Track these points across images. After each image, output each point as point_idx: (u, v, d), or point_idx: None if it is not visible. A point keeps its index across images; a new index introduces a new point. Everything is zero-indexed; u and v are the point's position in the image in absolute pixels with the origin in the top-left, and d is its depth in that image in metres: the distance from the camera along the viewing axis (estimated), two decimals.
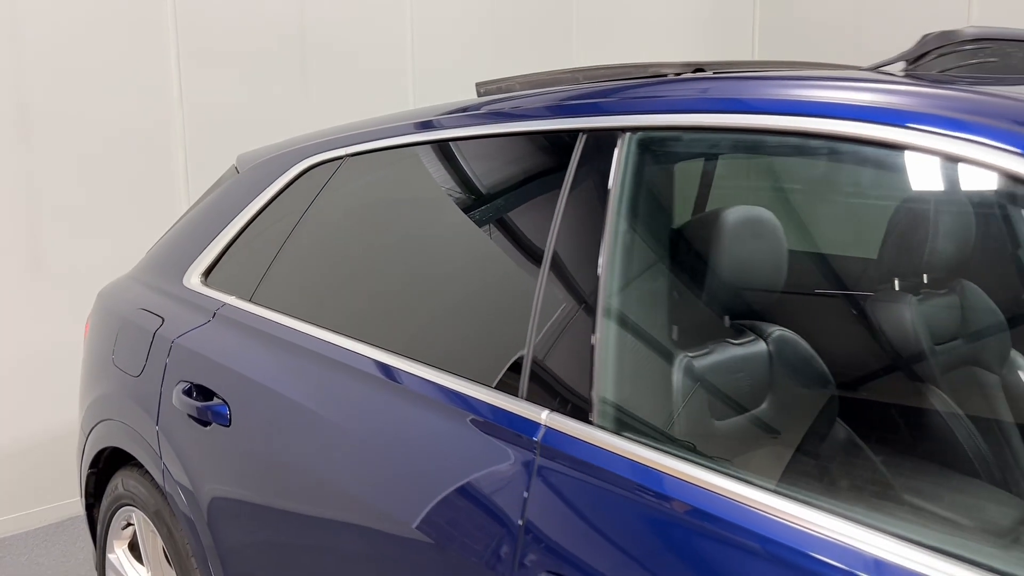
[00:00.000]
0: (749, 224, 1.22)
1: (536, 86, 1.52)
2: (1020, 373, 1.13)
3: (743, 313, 1.22)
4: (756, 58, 4.87)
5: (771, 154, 1.14)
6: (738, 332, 1.18)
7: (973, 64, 1.14)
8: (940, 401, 1.02)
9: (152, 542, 1.99)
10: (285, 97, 3.62)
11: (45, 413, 3.16)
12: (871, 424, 1.03)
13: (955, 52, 1.14)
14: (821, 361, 1.11)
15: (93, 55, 3.17)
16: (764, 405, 1.14)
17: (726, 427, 1.11)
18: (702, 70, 1.35)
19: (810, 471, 1.02)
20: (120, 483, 2.03)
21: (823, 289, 1.26)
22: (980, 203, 0.96)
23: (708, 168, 1.49)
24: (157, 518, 1.89)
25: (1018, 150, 0.86)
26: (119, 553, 2.11)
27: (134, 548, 2.11)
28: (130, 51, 3.25)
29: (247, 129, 3.50)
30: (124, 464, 2.04)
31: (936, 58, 1.15)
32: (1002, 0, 4.04)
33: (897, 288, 1.18)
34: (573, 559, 1.04)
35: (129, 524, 2.08)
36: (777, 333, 1.16)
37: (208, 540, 1.70)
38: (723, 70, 1.32)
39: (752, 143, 1.11)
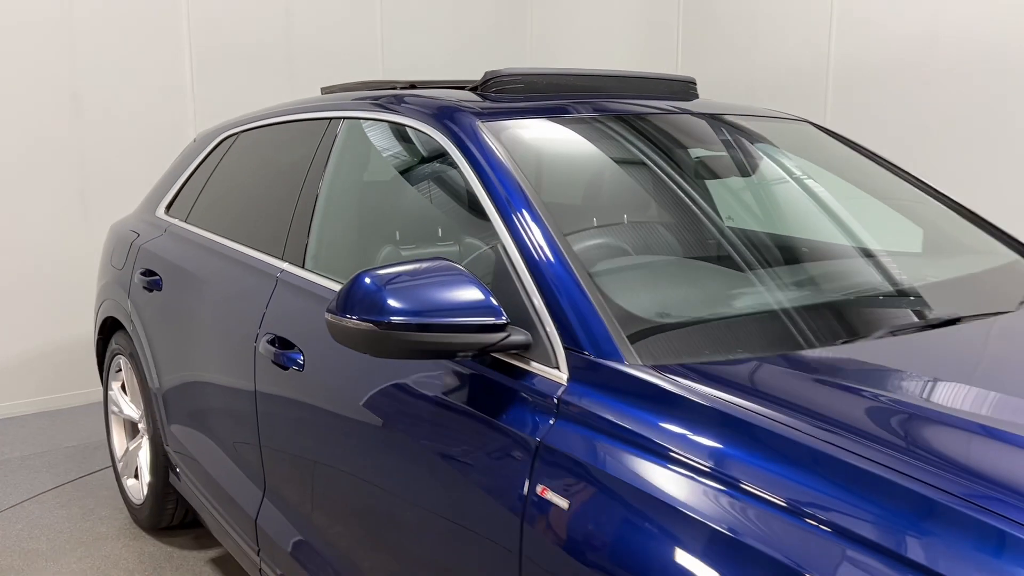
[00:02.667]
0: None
1: (346, 90, 2.55)
2: None
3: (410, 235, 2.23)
4: (680, 62, 5.76)
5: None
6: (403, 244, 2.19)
7: (510, 88, 2.10)
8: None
9: (130, 378, 3.12)
10: (275, 89, 4.74)
11: (71, 319, 4.35)
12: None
13: (498, 80, 2.11)
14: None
15: (127, 57, 4.35)
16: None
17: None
18: (415, 87, 2.35)
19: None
20: (114, 340, 3.17)
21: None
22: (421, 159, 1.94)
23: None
24: (132, 359, 3.01)
25: (417, 123, 1.84)
26: (115, 388, 3.26)
27: (124, 388, 3.25)
28: (152, 54, 4.43)
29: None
30: (118, 329, 3.17)
31: (490, 85, 2.11)
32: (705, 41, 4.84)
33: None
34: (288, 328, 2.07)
35: (119, 370, 3.22)
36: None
37: (155, 377, 2.79)
38: (414, 84, 2.31)
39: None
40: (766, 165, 2.28)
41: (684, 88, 2.45)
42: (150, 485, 2.98)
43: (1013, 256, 2.13)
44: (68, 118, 4.26)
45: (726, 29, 5.55)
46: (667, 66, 5.86)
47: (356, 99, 2.27)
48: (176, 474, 2.76)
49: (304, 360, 1.91)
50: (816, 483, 1.05)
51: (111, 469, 3.49)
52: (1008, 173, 4.29)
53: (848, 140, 2.54)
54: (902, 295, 1.84)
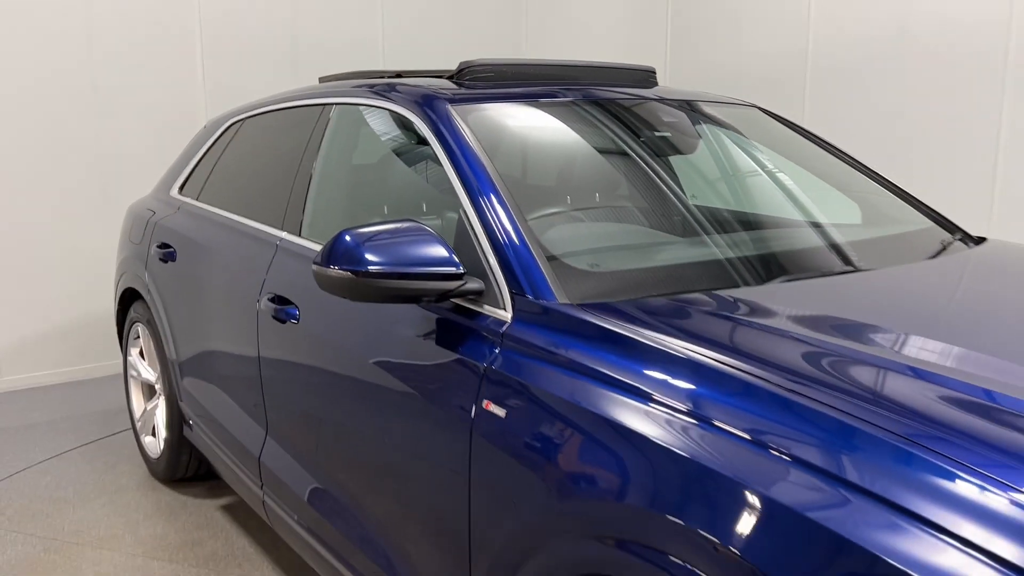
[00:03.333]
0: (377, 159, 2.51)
1: (340, 79, 2.84)
2: None
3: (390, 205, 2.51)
4: (668, 53, 6.01)
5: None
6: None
7: (483, 77, 2.37)
8: None
9: (147, 344, 3.42)
10: (281, 79, 5.03)
11: (94, 295, 4.66)
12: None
13: (472, 70, 2.38)
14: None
15: (143, 50, 4.65)
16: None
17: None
18: (401, 76, 2.63)
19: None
20: (133, 309, 3.47)
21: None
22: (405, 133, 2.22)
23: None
24: (150, 325, 3.32)
25: (399, 108, 2.13)
26: (134, 354, 3.57)
27: (141, 354, 3.56)
28: (166, 48, 4.73)
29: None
30: (136, 299, 3.48)
31: (464, 74, 2.39)
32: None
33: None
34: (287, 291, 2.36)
35: (138, 337, 3.52)
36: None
37: (170, 341, 3.09)
38: (404, 74, 2.59)
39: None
40: (711, 143, 2.56)
41: (644, 77, 2.72)
42: (166, 440, 3.28)
43: (928, 223, 2.40)
44: (89, 107, 4.57)
45: (712, 23, 5.80)
46: (657, 59, 6.12)
47: (348, 87, 2.55)
48: (189, 426, 3.06)
49: (299, 314, 2.21)
50: (697, 388, 1.33)
51: (131, 431, 3.80)
52: (973, 158, 4.55)
53: (794, 124, 2.81)
54: (820, 249, 2.12)
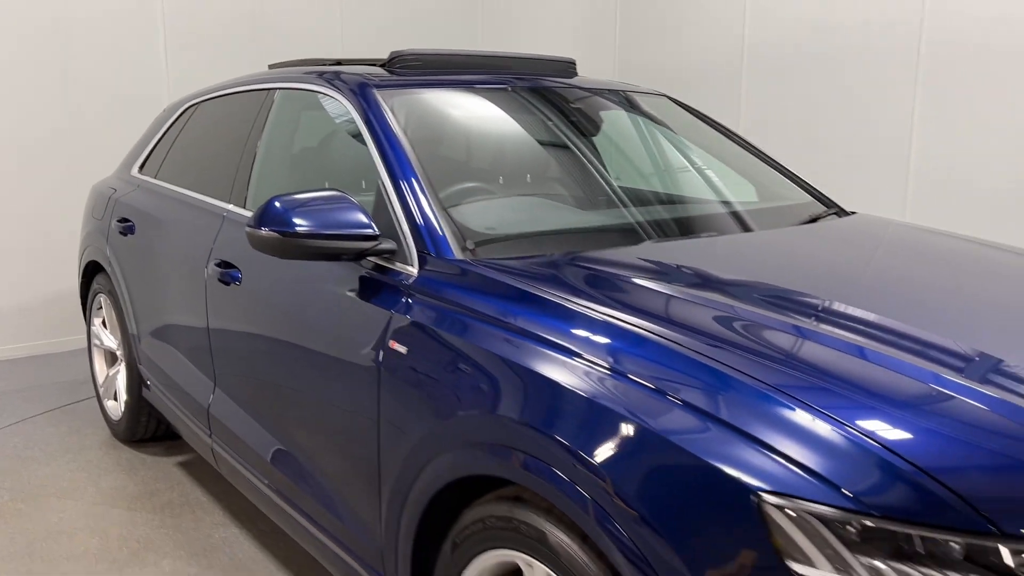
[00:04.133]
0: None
1: (290, 66, 3.08)
2: None
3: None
4: (616, 51, 6.29)
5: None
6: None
7: (411, 65, 2.63)
8: None
9: (109, 313, 3.66)
10: (243, 66, 5.24)
11: (61, 273, 4.87)
12: None
13: (402, 59, 2.64)
14: None
15: (109, 40, 4.86)
16: None
17: None
18: (340, 63, 2.88)
19: None
20: (96, 281, 3.70)
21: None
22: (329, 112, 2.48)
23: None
24: (112, 297, 3.55)
25: (319, 87, 2.39)
26: (97, 324, 3.80)
27: (104, 323, 3.79)
28: (131, 37, 4.93)
29: None
30: (98, 271, 3.70)
31: (395, 63, 2.65)
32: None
33: None
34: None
35: (100, 307, 3.75)
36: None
37: (129, 308, 3.33)
38: (342, 62, 2.84)
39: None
40: (619, 127, 2.84)
41: (564, 67, 2.99)
42: (126, 402, 3.52)
43: (809, 199, 2.71)
44: (57, 93, 4.77)
45: (657, 19, 6.10)
46: (607, 55, 6.40)
47: (291, 73, 2.80)
48: (147, 387, 3.30)
49: (242, 276, 2.46)
50: (557, 324, 1.61)
51: (94, 399, 4.03)
52: (890, 145, 4.91)
53: (699, 112, 3.11)
54: (709, 216, 2.42)
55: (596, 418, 1.40)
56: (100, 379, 3.81)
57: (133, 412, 3.49)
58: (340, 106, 2.43)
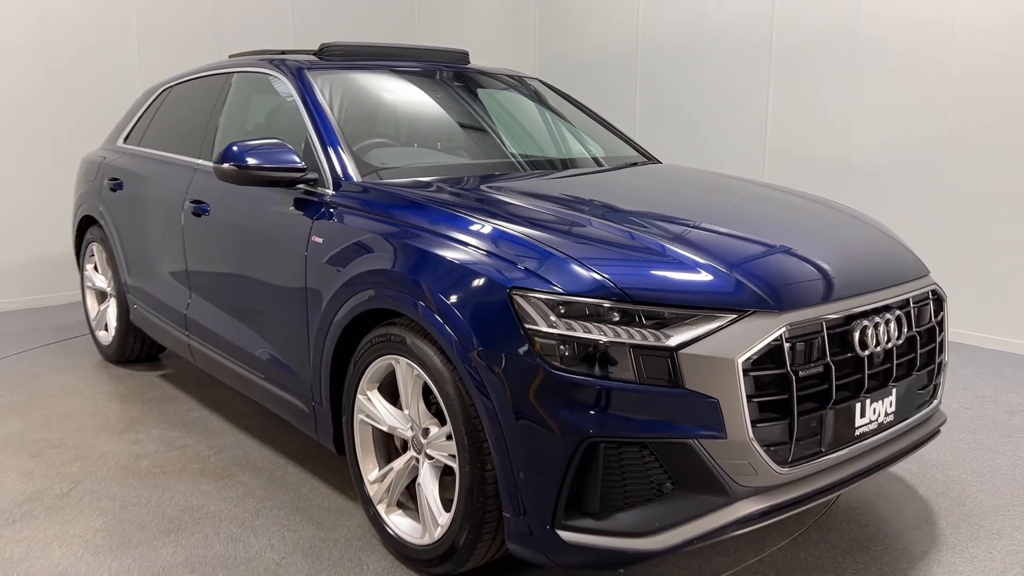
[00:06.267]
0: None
1: (244, 55, 3.96)
2: None
3: None
4: (537, 43, 7.23)
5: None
6: None
7: (338, 54, 3.52)
8: None
9: (101, 258, 4.50)
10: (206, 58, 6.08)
11: (61, 238, 5.69)
12: None
13: (329, 49, 3.52)
14: None
15: (88, 34, 5.69)
16: None
17: None
18: (284, 53, 3.76)
19: None
20: (89, 233, 4.55)
21: None
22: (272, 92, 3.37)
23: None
24: (103, 243, 4.40)
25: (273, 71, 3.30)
26: (89, 269, 4.64)
27: (96, 268, 4.63)
28: (107, 32, 5.76)
29: None
30: (90, 225, 4.54)
31: (324, 52, 3.53)
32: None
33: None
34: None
35: (93, 255, 4.59)
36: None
37: (119, 248, 4.18)
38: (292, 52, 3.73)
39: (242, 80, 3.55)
40: (498, 100, 3.77)
41: (458, 57, 3.90)
42: (116, 328, 4.37)
43: (635, 153, 3.67)
44: (44, 82, 5.59)
45: (569, 18, 7.05)
46: (529, 45, 7.32)
47: (245, 60, 3.69)
48: (134, 310, 4.16)
49: (210, 209, 3.34)
50: (409, 212, 2.51)
51: (85, 336, 4.86)
52: (750, 122, 5.96)
53: (563, 93, 4.04)
54: (554, 159, 3.35)
55: (432, 264, 2.31)
56: (92, 314, 4.65)
57: (122, 335, 4.34)
58: (283, 84, 3.32)
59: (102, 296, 4.61)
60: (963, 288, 4.83)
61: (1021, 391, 4.10)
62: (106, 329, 4.54)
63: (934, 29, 4.85)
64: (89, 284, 4.64)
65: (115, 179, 4.21)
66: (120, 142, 4.46)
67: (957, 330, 4.93)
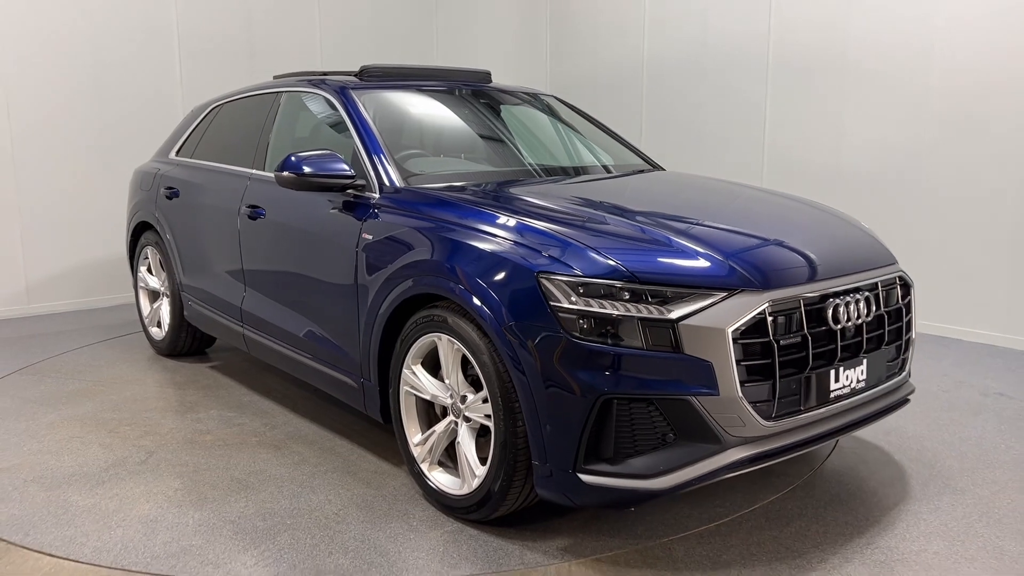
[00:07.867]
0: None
1: (287, 76, 4.40)
2: None
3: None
4: (548, 61, 7.67)
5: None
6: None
7: (375, 75, 3.96)
8: None
9: (155, 260, 4.94)
10: (240, 77, 6.55)
11: (109, 244, 6.14)
12: None
13: (368, 71, 3.96)
14: None
15: (135, 56, 6.16)
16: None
17: None
18: (326, 74, 4.20)
19: None
20: (144, 238, 4.99)
21: None
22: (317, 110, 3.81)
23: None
24: (158, 247, 4.84)
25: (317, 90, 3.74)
26: (143, 271, 5.08)
27: (149, 270, 5.06)
28: (152, 55, 6.23)
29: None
30: (145, 231, 4.99)
31: (363, 74, 3.97)
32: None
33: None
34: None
35: (147, 258, 5.03)
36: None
37: (175, 250, 4.62)
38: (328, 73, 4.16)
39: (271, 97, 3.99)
40: (520, 115, 4.20)
41: (482, 76, 4.34)
42: (169, 324, 4.80)
43: (642, 162, 4.09)
44: (93, 97, 6.05)
45: (579, 38, 7.49)
46: (541, 63, 7.76)
47: (292, 81, 4.13)
48: (188, 306, 4.59)
49: (265, 213, 3.78)
50: (449, 211, 2.93)
51: (138, 333, 5.29)
52: (750, 134, 6.38)
53: (577, 108, 4.47)
54: (570, 167, 3.78)
55: (468, 253, 2.73)
56: (145, 312, 5.08)
57: (175, 331, 4.77)
58: (330, 101, 3.75)
59: (154, 296, 5.04)
60: (946, 285, 5.23)
61: (996, 377, 4.49)
62: (159, 326, 4.97)
63: (916, 45, 5.27)
64: (142, 285, 5.08)
65: (171, 188, 4.66)
66: (173, 155, 4.91)
67: (940, 324, 5.33)
